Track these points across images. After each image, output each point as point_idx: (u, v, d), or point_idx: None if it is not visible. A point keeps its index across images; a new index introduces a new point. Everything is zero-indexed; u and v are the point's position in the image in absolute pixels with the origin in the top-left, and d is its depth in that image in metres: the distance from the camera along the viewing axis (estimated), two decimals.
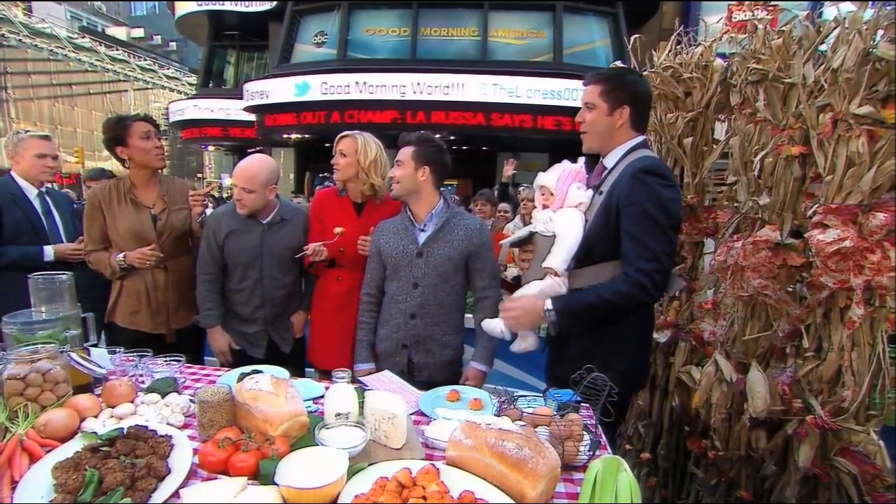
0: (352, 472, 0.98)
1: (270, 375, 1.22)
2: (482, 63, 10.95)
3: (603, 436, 1.22)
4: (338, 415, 1.14)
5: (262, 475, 0.98)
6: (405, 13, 11.56)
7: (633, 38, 2.37)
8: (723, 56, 2.12)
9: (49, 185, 2.61)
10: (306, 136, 12.13)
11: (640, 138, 1.63)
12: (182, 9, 15.09)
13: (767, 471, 1.85)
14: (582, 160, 1.70)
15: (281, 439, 1.08)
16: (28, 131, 2.58)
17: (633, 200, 1.46)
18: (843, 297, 1.66)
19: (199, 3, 14.57)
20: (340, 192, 2.15)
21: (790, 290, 1.84)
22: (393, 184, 1.88)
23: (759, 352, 1.97)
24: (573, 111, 1.73)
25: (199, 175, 14.34)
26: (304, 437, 1.15)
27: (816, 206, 1.70)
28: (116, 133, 2.14)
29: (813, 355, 1.76)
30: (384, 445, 1.11)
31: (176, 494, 0.93)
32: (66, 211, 2.60)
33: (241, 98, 12.63)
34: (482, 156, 13.00)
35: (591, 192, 1.61)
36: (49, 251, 2.34)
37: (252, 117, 12.71)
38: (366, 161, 2.02)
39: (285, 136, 12.72)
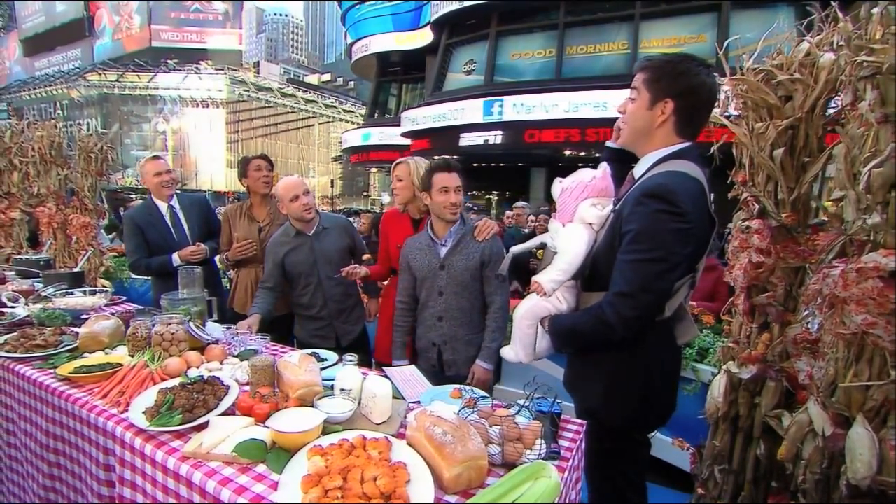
0: (328, 431, 1.21)
1: (301, 353, 1.53)
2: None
3: (576, 451, 1.20)
4: (342, 389, 1.38)
5: (269, 421, 1.27)
6: (551, 34, 11.67)
7: (730, 40, 2.15)
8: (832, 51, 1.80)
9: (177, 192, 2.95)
10: (454, 157, 13.04)
11: (681, 145, 1.35)
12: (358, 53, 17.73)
13: None
14: (604, 166, 1.50)
15: (294, 401, 1.37)
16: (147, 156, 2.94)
17: (630, 227, 1.27)
18: None
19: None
20: (402, 211, 2.47)
21: None
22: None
23: (868, 405, 1.60)
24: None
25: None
26: None
27: None
28: (242, 169, 2.90)
29: None
30: (368, 418, 1.31)
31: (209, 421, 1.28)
32: (195, 212, 2.93)
33: (399, 125, 14.25)
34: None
35: (609, 209, 1.44)
36: (175, 258, 2.75)
37: (408, 141, 14.19)
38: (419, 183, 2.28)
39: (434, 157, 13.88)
